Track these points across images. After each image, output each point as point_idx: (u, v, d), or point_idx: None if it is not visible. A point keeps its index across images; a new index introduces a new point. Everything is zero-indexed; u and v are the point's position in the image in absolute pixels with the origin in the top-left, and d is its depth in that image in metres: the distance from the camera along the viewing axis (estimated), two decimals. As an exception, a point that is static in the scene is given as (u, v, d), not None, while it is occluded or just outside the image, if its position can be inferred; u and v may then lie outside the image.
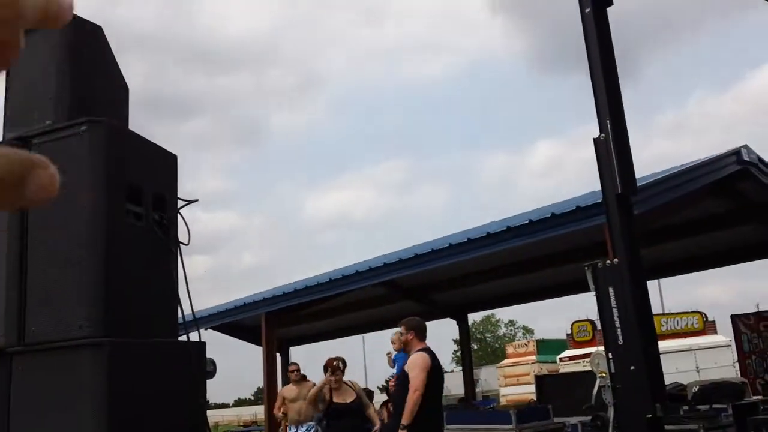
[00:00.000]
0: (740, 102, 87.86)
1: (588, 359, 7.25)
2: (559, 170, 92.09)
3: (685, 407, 6.11)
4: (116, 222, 2.89)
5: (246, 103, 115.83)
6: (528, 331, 58.74)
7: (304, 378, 9.40)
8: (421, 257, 10.61)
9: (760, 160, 8.13)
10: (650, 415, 4.10)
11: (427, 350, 6.24)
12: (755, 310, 10.42)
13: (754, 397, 8.24)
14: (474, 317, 58.51)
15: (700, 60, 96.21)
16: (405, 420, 6.26)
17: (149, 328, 2.96)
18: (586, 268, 5.24)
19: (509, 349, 26.08)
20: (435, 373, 6.01)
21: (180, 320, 3.17)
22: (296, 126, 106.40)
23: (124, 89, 3.58)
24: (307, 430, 8.86)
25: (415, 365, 5.91)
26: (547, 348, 23.07)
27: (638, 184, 5.68)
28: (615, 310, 4.77)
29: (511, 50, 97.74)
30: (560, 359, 19.65)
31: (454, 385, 20.21)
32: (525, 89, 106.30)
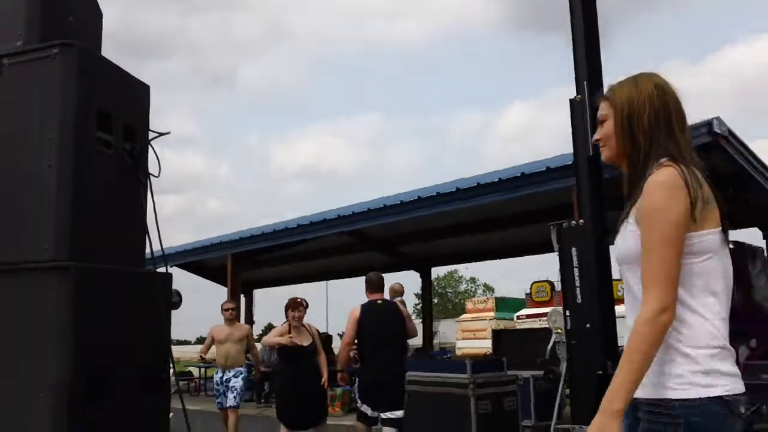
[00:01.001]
0: (715, 75, 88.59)
1: (544, 318, 7.42)
2: (533, 132, 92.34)
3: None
4: (86, 147, 2.85)
5: (218, 48, 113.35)
6: (489, 288, 59.80)
7: (237, 320, 8.79)
8: (390, 209, 10.66)
9: (731, 132, 8.24)
10: (601, 372, 4.25)
11: (368, 303, 6.44)
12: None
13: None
14: (438, 272, 59.23)
15: (676, 30, 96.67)
16: (338, 366, 6.96)
17: (116, 257, 2.95)
18: (551, 227, 5.32)
19: (469, 305, 26.53)
20: (364, 323, 6.25)
21: (148, 253, 3.17)
22: (268, 76, 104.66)
23: (98, 15, 3.48)
24: (234, 375, 8.15)
25: (348, 319, 6.45)
26: (506, 306, 23.53)
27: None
28: (576, 270, 4.88)
29: (488, 13, 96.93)
30: (517, 317, 20.07)
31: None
32: (500, 52, 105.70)
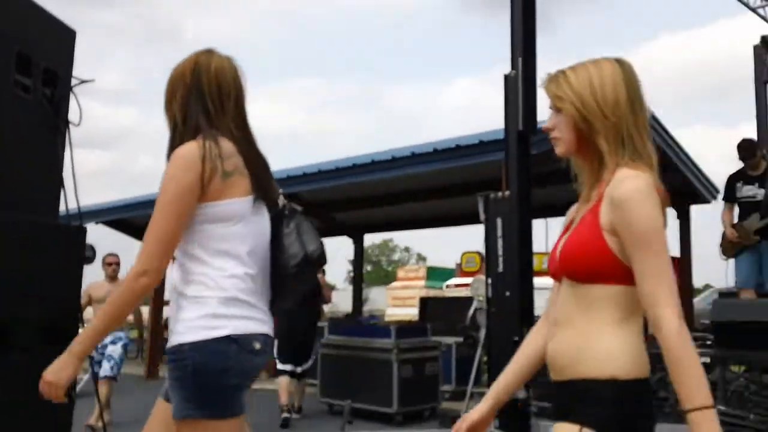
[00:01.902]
0: (648, 63, 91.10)
1: (472, 287, 7.63)
2: (476, 107, 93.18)
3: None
4: (1, 89, 2.73)
5: (162, 1, 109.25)
6: (421, 258, 60.55)
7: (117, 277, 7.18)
8: (326, 173, 10.64)
9: (654, 117, 8.57)
10: (517, 338, 4.41)
11: None
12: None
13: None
14: (373, 239, 59.49)
15: (615, 18, 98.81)
16: None
17: (28, 206, 2.86)
18: (479, 197, 5.44)
19: (400, 273, 26.86)
20: None
21: (65, 205, 3.09)
22: (212, 33, 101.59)
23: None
24: (112, 341, 6.68)
25: None
26: (437, 275, 23.94)
27: (540, 126, 5.90)
28: (500, 240, 5.02)
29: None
30: (446, 286, 20.46)
31: (344, 302, 20.69)
32: (452, 26, 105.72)
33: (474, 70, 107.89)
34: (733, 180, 6.49)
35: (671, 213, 10.88)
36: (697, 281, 23.49)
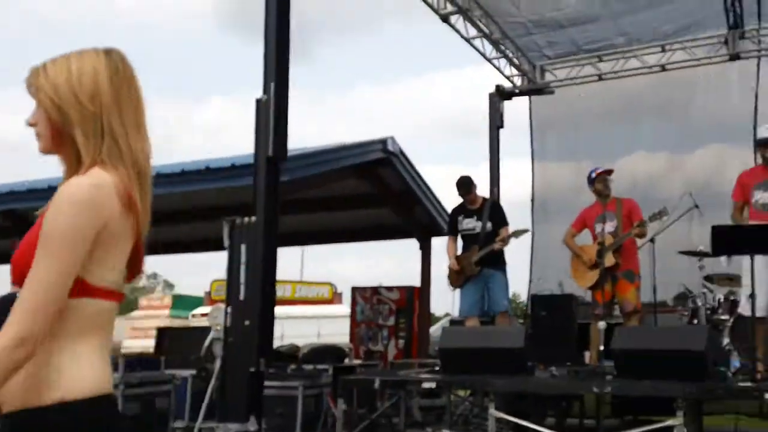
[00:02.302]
0: (397, 100, 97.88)
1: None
2: (229, 129, 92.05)
3: (293, 366, 6.58)
4: None
5: None
6: (169, 285, 57.78)
7: None
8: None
9: (402, 152, 9.12)
10: (253, 369, 4.25)
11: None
12: (376, 285, 11.58)
13: (356, 361, 9.22)
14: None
15: (379, 53, 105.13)
16: None
17: None
18: (224, 222, 5.24)
19: (143, 302, 25.26)
20: None
21: None
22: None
23: None
24: None
25: None
26: (184, 303, 22.91)
27: (290, 153, 5.89)
28: (243, 267, 4.85)
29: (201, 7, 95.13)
30: (192, 315, 19.66)
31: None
32: (207, 46, 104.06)
33: (233, 91, 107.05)
34: (455, 214, 7.02)
35: (413, 245, 11.56)
36: (440, 310, 25.39)
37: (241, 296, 4.74)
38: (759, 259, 4.71)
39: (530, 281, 10.33)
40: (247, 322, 4.56)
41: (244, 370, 4.31)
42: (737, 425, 5.49)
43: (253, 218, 5.12)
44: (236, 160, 8.97)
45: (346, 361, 8.34)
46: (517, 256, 10.31)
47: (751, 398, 4.50)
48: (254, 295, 4.76)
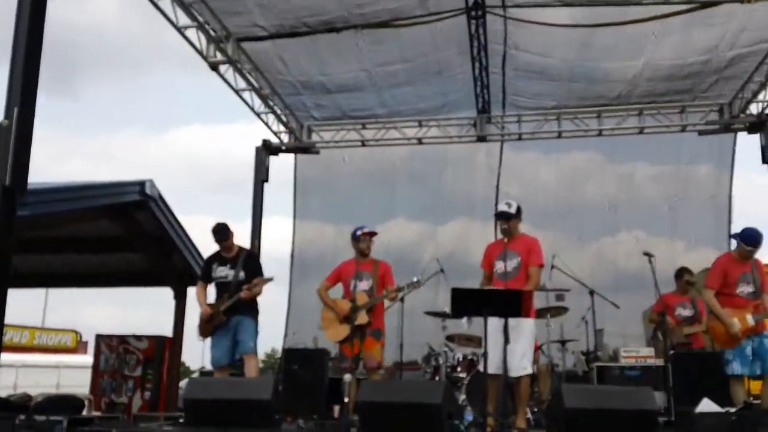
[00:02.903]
0: (165, 146, 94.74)
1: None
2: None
3: (23, 417, 5.92)
4: None
5: None
6: None
7: None
8: None
9: (160, 196, 8.76)
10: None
11: None
12: (123, 333, 10.89)
13: (95, 413, 8.55)
14: None
15: (151, 98, 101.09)
16: None
17: None
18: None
19: None
20: None
21: None
22: None
23: None
24: None
25: None
26: None
27: (33, 186, 5.42)
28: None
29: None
30: None
31: None
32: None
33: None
34: (210, 261, 6.89)
35: (169, 293, 11.05)
36: (197, 362, 24.33)
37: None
38: (492, 320, 5.18)
39: (285, 335, 10.38)
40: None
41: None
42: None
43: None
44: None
45: (84, 412, 7.70)
46: (277, 309, 10.37)
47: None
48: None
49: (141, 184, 8.36)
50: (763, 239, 6.25)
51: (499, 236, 6.05)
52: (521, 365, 5.55)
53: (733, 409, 5.70)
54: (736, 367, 6.12)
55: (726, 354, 6.22)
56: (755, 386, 6.64)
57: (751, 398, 6.88)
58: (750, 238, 6.17)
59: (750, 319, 6.11)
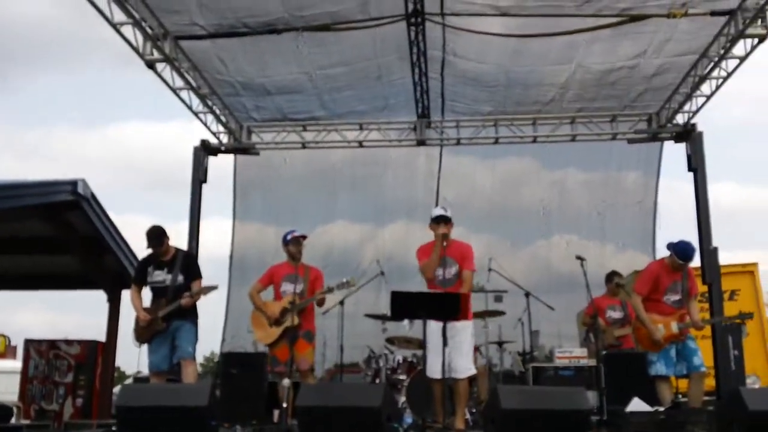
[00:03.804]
0: (100, 144, 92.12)
1: None
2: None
3: None
4: None
5: None
6: None
7: None
8: None
9: (93, 196, 8.52)
10: None
11: None
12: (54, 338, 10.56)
13: (24, 422, 8.31)
14: None
15: (78, 92, 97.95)
16: None
17: None
18: None
19: None
20: None
21: None
22: None
23: None
24: None
25: None
26: None
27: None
28: None
29: None
30: None
31: None
32: None
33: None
34: (144, 264, 6.69)
35: (102, 296, 10.75)
36: (132, 366, 23.63)
37: None
38: (432, 324, 5.25)
39: (223, 339, 10.24)
40: None
41: None
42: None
43: None
44: None
45: (12, 420, 7.48)
46: (215, 311, 10.21)
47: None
48: None
49: (73, 183, 8.11)
50: (695, 254, 6.56)
51: (429, 239, 6.07)
52: (466, 366, 5.66)
53: (662, 408, 5.95)
54: (660, 368, 6.39)
55: (649, 355, 6.48)
56: (683, 385, 6.93)
57: (680, 396, 7.20)
58: (682, 252, 6.44)
59: (674, 327, 6.39)
